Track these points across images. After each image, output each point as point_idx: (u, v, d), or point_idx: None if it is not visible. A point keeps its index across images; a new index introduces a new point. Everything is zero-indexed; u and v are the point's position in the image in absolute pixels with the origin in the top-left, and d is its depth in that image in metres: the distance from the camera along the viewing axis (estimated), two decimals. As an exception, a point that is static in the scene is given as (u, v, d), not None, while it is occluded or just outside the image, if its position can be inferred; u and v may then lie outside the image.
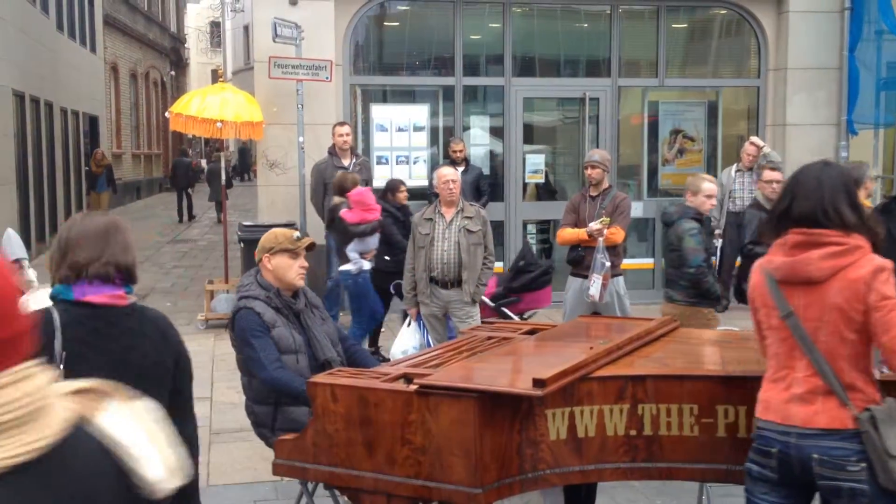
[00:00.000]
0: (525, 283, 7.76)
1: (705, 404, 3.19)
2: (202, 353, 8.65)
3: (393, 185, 8.55)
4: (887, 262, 2.73)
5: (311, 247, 4.25)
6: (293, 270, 4.12)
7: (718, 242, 9.83)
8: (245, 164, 33.87)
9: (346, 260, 7.84)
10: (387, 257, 8.05)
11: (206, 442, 6.22)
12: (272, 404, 4.04)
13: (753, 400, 3.16)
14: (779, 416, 2.80)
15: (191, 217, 22.38)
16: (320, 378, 3.42)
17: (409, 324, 6.69)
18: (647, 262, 10.65)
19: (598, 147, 9.91)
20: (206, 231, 19.56)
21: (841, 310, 2.72)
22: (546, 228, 10.76)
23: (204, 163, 33.81)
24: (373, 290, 7.85)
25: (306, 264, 4.20)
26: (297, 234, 4.23)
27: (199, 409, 6.95)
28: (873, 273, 2.70)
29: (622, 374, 3.26)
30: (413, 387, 3.14)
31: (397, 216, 8.28)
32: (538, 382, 2.97)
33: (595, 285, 6.59)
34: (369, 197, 7.89)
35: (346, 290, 8.12)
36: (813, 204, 2.78)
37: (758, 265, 2.93)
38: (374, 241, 7.82)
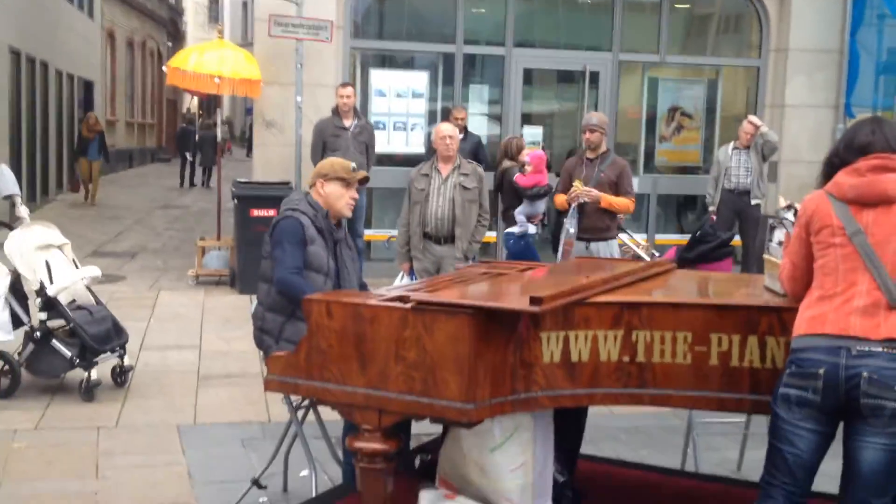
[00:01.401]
0: (702, 252, 7.65)
1: (699, 332, 3.19)
2: (193, 307, 8.65)
3: (512, 146, 8.46)
4: None
5: (364, 180, 4.37)
6: (343, 199, 4.23)
7: (713, 219, 9.85)
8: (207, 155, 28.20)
9: (512, 223, 7.82)
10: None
11: (195, 386, 6.22)
12: (286, 315, 4.08)
13: (747, 329, 3.18)
14: (836, 328, 2.81)
15: (192, 184, 22.81)
16: (317, 295, 3.40)
17: (401, 278, 6.68)
18: (641, 237, 10.64)
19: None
20: (198, 198, 19.49)
21: None
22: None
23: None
24: (536, 255, 7.78)
25: (357, 196, 4.32)
26: (353, 164, 4.32)
27: (189, 357, 7.00)
28: None
29: (618, 301, 3.26)
30: (409, 304, 3.12)
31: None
32: (535, 300, 2.96)
33: (559, 250, 6.74)
34: (543, 161, 7.83)
35: (507, 252, 8.04)
36: (877, 142, 2.93)
37: (817, 192, 3.01)
38: (541, 206, 7.77)
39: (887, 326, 2.78)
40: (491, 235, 9.62)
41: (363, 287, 4.44)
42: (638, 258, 6.90)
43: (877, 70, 9.81)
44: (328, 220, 4.24)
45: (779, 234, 3.51)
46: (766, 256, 3.57)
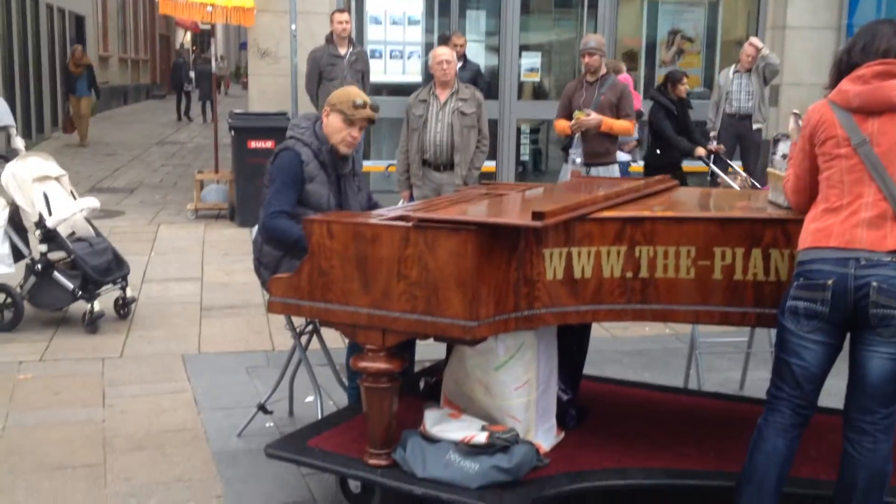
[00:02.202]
0: None
1: (702, 246, 3.17)
2: (193, 240, 8.64)
3: (674, 77, 8.39)
4: None
5: (371, 121, 4.10)
6: (340, 136, 4.00)
7: (713, 144, 9.77)
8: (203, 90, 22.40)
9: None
10: (658, 151, 7.93)
11: (197, 317, 6.24)
12: (283, 250, 3.97)
13: (750, 242, 3.16)
14: (843, 241, 2.79)
15: (189, 118, 22.94)
16: (317, 216, 3.38)
17: (401, 205, 6.64)
18: (639, 164, 10.58)
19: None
20: (194, 134, 19.34)
21: None
22: (539, 128, 10.65)
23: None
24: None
25: (357, 135, 4.04)
26: (362, 99, 4.02)
27: (190, 289, 7.01)
28: None
29: (621, 216, 3.23)
30: (411, 222, 3.10)
31: (671, 110, 8.13)
32: (537, 215, 2.94)
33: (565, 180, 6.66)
34: (631, 86, 7.75)
35: None
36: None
37: (821, 102, 2.95)
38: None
39: (894, 237, 2.76)
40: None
41: (373, 207, 4.29)
42: None
43: (880, -11, 9.63)
44: (332, 154, 4.04)
45: (783, 147, 3.46)
46: (769, 170, 3.53)
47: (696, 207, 3.72)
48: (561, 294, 3.19)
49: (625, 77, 7.75)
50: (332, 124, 4.01)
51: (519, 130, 10.55)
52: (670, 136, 8.10)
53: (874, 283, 2.73)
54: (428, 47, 10.16)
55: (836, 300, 2.79)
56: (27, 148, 6.14)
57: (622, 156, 7.63)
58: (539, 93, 10.90)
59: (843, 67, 2.96)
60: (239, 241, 8.41)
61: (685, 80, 8.33)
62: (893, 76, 2.82)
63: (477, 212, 3.32)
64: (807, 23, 10.21)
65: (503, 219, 3.13)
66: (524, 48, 10.47)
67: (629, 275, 3.22)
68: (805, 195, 3.03)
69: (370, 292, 3.14)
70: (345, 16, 8.86)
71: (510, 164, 10.39)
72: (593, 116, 6.59)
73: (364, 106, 4.00)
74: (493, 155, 9.66)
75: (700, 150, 8.18)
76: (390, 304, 3.11)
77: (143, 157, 15.43)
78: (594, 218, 3.21)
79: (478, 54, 10.51)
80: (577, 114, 6.64)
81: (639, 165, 9.00)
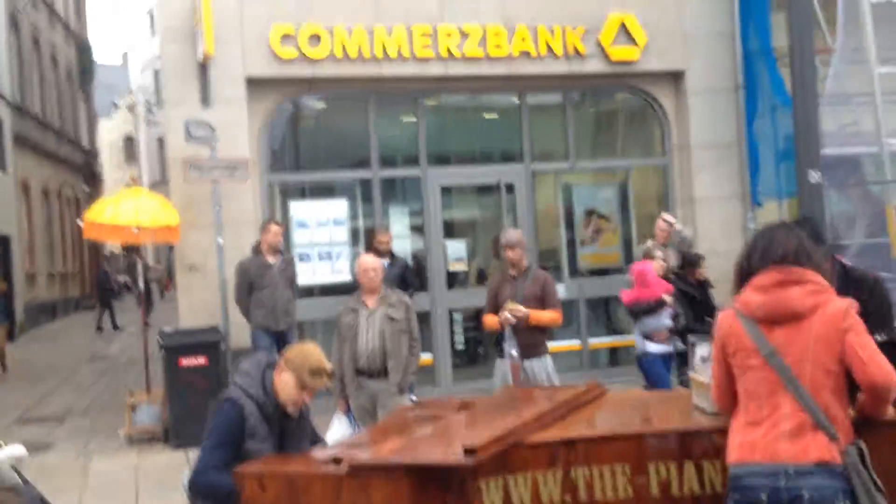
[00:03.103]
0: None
1: (636, 463, 3.18)
2: (126, 471, 8.28)
3: (692, 260, 8.05)
4: (852, 301, 2.97)
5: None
6: (290, 397, 3.84)
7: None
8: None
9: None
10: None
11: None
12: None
13: (682, 455, 3.18)
14: (767, 456, 2.82)
15: (114, 327, 22.64)
16: (248, 467, 3.31)
17: (338, 417, 6.55)
18: (575, 343, 10.73)
19: (516, 229, 10.05)
20: (126, 347, 19.02)
21: (825, 340, 2.86)
22: (473, 316, 10.76)
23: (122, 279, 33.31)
24: (661, 373, 7.36)
25: (308, 399, 3.91)
26: (325, 368, 3.89)
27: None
28: (847, 307, 2.93)
29: (553, 439, 3.24)
30: (343, 468, 3.06)
31: (692, 295, 7.64)
32: (469, 451, 2.93)
33: (505, 376, 6.65)
34: (649, 274, 7.44)
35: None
36: (795, 246, 2.99)
37: (728, 311, 3.04)
38: (657, 322, 7.33)
39: (816, 448, 2.80)
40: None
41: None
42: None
43: (776, 158, 10.21)
44: (278, 410, 3.86)
45: (700, 350, 3.56)
46: (691, 374, 3.61)
47: (626, 421, 3.75)
48: (502, 526, 3.13)
49: (639, 268, 7.54)
50: (285, 382, 3.85)
51: (452, 319, 10.66)
52: (691, 327, 7.40)
53: (805, 495, 2.76)
54: (355, 242, 10.39)
55: None
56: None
57: (656, 347, 7.32)
58: (467, 281, 11.10)
59: (743, 274, 3.08)
60: (174, 468, 8.06)
61: (703, 262, 7.98)
62: (791, 284, 2.93)
63: (409, 449, 3.29)
64: (713, 194, 10.74)
65: (435, 458, 3.10)
66: (448, 234, 10.74)
67: (568, 499, 3.19)
68: (728, 400, 3.08)
69: (307, 545, 3.05)
70: (279, 227, 9.04)
71: (446, 355, 10.43)
72: (521, 311, 6.68)
73: (321, 374, 3.87)
74: (427, 346, 9.69)
75: None
76: (328, 556, 3.02)
77: (73, 378, 15.03)
78: (528, 443, 3.21)
79: (405, 244, 10.73)
80: (508, 304, 6.72)
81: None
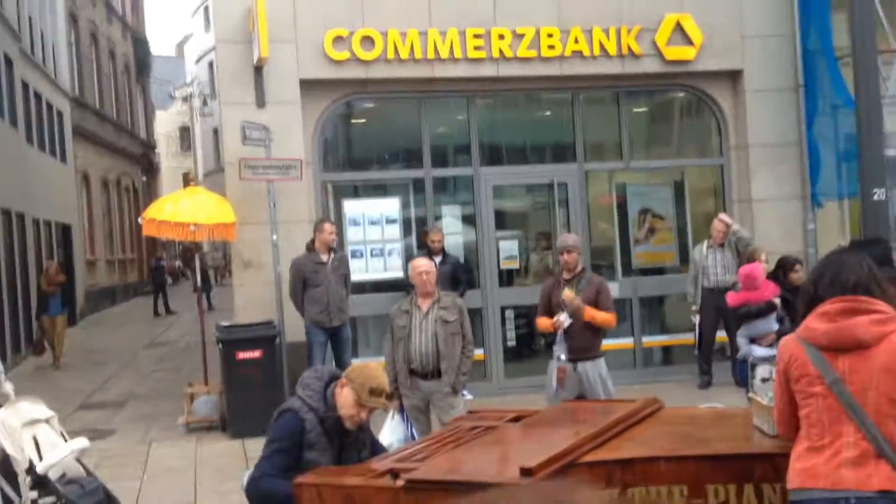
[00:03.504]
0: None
1: (694, 484, 3.17)
2: (185, 458, 8.49)
3: (786, 264, 7.92)
4: None
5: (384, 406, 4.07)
6: (349, 413, 3.91)
7: (696, 318, 9.91)
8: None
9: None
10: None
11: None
12: None
13: (742, 477, 3.17)
14: (829, 483, 2.81)
15: (168, 311, 23.77)
16: (306, 478, 3.38)
17: (392, 416, 6.61)
18: (628, 342, 10.68)
19: (569, 230, 10.03)
20: (185, 332, 19.40)
21: (890, 370, 2.83)
22: (525, 313, 10.76)
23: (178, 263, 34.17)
24: None
25: (366, 418, 3.97)
26: (384, 389, 3.96)
27: (183, 517, 6.78)
28: None
29: (610, 458, 3.25)
30: (400, 482, 3.10)
31: (787, 299, 7.27)
32: (525, 471, 2.95)
33: (553, 378, 6.64)
34: (759, 276, 7.30)
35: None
36: (865, 274, 2.97)
37: (791, 338, 3.02)
38: (765, 325, 7.15)
39: (879, 477, 2.78)
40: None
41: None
42: None
43: (837, 158, 10.03)
44: (338, 424, 3.92)
45: (761, 371, 3.53)
46: (750, 395, 3.58)
47: (685, 440, 3.73)
48: (557, 543, 3.15)
49: (746, 271, 7.38)
50: (345, 398, 3.92)
51: (504, 316, 10.68)
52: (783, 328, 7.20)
53: None
54: (406, 241, 10.45)
55: None
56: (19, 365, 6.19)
57: (762, 351, 7.00)
58: (519, 279, 11.10)
59: (810, 300, 3.05)
60: (232, 456, 8.29)
61: (798, 266, 7.85)
62: (858, 313, 2.90)
63: (466, 466, 3.32)
64: (772, 194, 10.56)
65: (492, 478, 3.13)
66: (500, 232, 10.74)
67: (624, 517, 3.20)
68: (789, 426, 3.06)
69: (365, 557, 3.10)
70: (333, 226, 9.16)
71: (498, 352, 10.46)
72: (577, 300, 6.66)
73: (380, 394, 3.92)
74: (479, 343, 9.72)
75: None
76: (386, 569, 3.07)
77: (133, 363, 15.39)
78: (583, 462, 3.22)
79: (457, 242, 10.77)
80: (566, 291, 6.70)
81: None
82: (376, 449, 4.22)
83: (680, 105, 11.53)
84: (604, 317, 6.77)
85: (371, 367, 4.11)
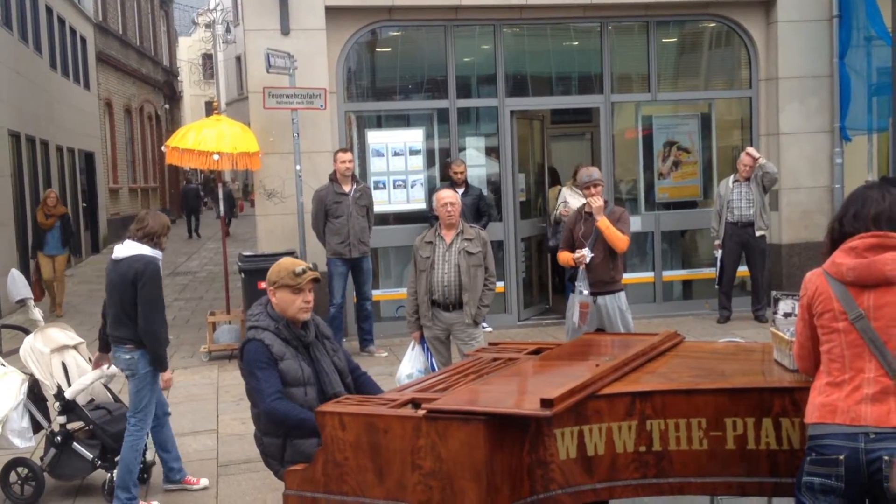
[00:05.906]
0: None
1: (713, 417, 3.19)
2: (206, 385, 8.65)
3: None
4: None
5: (315, 280, 4.18)
6: (295, 306, 4.10)
7: (718, 253, 9.87)
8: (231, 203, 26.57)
9: None
10: None
11: (214, 474, 6.21)
12: (281, 437, 3.99)
13: (760, 411, 3.18)
14: (847, 418, 2.82)
15: (198, 235, 25.26)
16: (328, 407, 3.42)
17: (412, 347, 6.68)
18: (648, 275, 10.67)
19: (592, 163, 9.94)
20: (205, 262, 19.57)
21: None
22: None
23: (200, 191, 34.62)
24: None
25: (310, 298, 4.15)
26: (301, 266, 4.16)
27: (206, 442, 6.96)
28: None
29: (629, 391, 3.27)
30: (421, 412, 3.14)
31: None
32: (546, 402, 2.98)
33: (574, 313, 6.66)
34: None
35: None
36: (889, 206, 2.92)
37: (817, 272, 2.99)
38: None
39: None
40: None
41: (354, 370, 4.37)
42: None
43: (868, 92, 9.81)
44: (291, 328, 4.12)
45: (783, 306, 3.51)
46: (772, 329, 3.57)
47: (704, 374, 3.75)
48: (575, 473, 3.20)
49: None
50: (282, 299, 4.11)
51: (526, 248, 10.67)
52: None
53: (886, 458, 2.74)
54: (430, 172, 10.40)
55: (850, 475, 2.79)
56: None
57: None
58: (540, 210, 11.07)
59: (835, 236, 3.01)
60: (253, 385, 8.42)
61: None
62: (886, 249, 2.86)
63: (486, 397, 3.36)
64: (800, 128, 10.40)
65: (513, 408, 3.16)
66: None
67: (642, 449, 3.23)
68: (810, 361, 3.06)
69: (385, 483, 3.17)
70: (348, 155, 9.10)
71: (518, 284, 10.48)
72: (598, 202, 6.64)
73: (302, 271, 4.12)
74: (500, 275, 9.75)
75: None
76: (405, 495, 3.13)
77: (156, 291, 15.54)
78: (603, 394, 3.25)
79: (481, 174, 10.72)
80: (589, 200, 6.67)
81: None
82: (349, 358, 4.45)
83: (710, 36, 11.28)
84: (617, 234, 6.68)
85: (279, 262, 4.26)
